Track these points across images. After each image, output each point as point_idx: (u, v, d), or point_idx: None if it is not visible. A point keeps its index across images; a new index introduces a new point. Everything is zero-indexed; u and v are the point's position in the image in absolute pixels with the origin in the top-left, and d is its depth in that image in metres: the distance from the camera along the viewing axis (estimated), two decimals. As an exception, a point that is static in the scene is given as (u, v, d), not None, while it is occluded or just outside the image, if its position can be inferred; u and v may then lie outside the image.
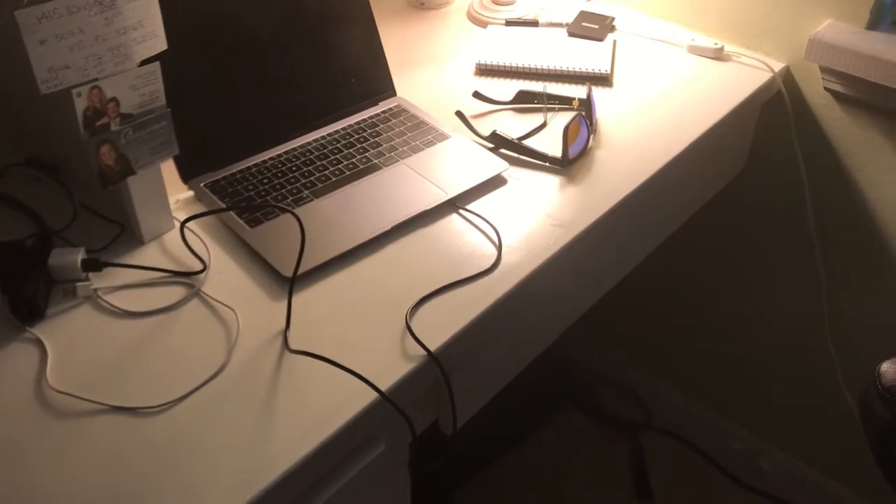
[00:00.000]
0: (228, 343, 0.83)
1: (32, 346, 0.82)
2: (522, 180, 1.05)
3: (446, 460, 0.92)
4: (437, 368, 0.83)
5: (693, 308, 1.66)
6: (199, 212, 0.98)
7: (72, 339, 0.83)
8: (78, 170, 1.00)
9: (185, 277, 0.90)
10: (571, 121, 1.05)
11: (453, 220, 0.99)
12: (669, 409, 1.81)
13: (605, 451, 1.77)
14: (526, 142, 1.09)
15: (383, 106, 1.16)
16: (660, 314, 1.73)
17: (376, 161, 1.06)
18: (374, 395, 0.78)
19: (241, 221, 0.96)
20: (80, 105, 0.80)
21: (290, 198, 0.99)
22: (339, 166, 1.05)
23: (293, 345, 0.82)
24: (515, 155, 1.08)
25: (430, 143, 1.09)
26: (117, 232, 0.95)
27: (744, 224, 1.49)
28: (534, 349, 1.06)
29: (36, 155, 1.04)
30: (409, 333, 0.84)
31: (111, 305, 0.87)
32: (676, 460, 1.75)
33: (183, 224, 0.92)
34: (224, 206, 0.97)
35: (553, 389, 1.87)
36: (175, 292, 0.89)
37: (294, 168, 1.04)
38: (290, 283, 0.88)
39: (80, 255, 0.88)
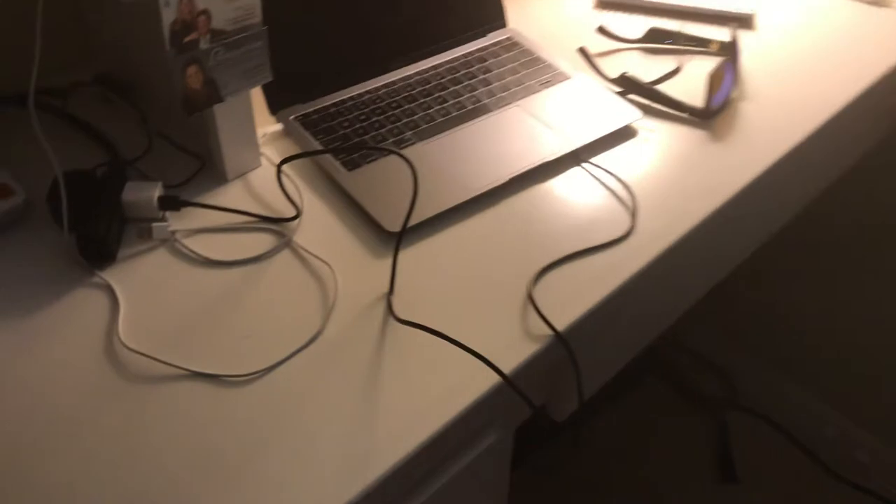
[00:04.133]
0: (325, 305, 0.72)
1: (102, 294, 0.72)
2: (656, 132, 0.91)
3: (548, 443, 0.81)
4: (563, 350, 0.71)
5: (795, 287, 1.52)
6: (286, 147, 0.86)
7: (146, 288, 0.73)
8: (155, 93, 0.89)
9: (275, 224, 0.79)
10: (717, 66, 0.90)
11: (577, 175, 0.86)
12: (758, 389, 1.68)
13: (689, 426, 1.66)
14: (659, 88, 0.95)
15: (493, 38, 1.02)
16: (757, 289, 1.59)
17: (487, 101, 0.92)
18: (496, 378, 0.66)
19: (337, 163, 0.84)
20: (168, 16, 0.68)
21: (391, 139, 0.87)
22: (446, 105, 0.91)
23: (399, 312, 0.71)
24: (647, 102, 0.94)
25: (547, 84, 0.95)
26: (197, 166, 0.84)
27: (864, 212, 1.33)
28: (655, 328, 0.93)
29: (107, 72, 0.92)
30: (531, 307, 0.72)
31: (191, 251, 0.76)
32: (763, 443, 1.63)
33: (280, 166, 0.80)
34: (318, 144, 0.85)
35: (639, 357, 1.74)
36: (263, 240, 0.77)
37: (395, 105, 0.91)
38: (395, 239, 0.76)
39: (157, 191, 0.77)
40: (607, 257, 0.77)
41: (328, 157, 0.84)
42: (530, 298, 0.72)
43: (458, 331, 0.70)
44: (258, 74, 0.77)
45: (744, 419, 1.66)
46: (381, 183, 0.82)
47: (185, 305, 0.72)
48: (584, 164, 0.87)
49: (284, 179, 0.83)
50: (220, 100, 0.75)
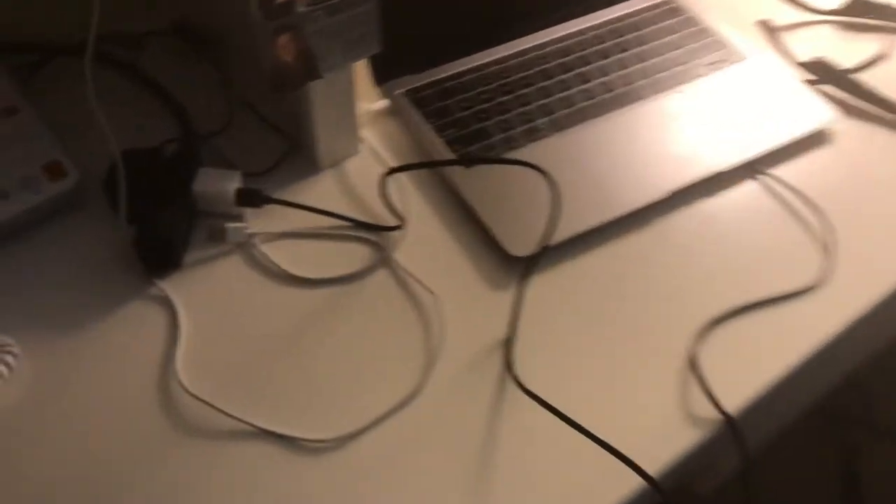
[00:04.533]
0: (426, 348, 0.57)
1: (160, 311, 0.59)
2: (856, 139, 0.71)
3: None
4: (730, 436, 0.55)
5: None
6: (391, 129, 0.71)
7: (213, 307, 0.59)
8: (242, 52, 0.74)
9: (372, 233, 0.64)
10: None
11: (753, 192, 0.67)
12: None
13: (812, 441, 1.47)
14: (862, 76, 0.74)
15: (648, 0, 0.83)
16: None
17: (640, 84, 0.74)
18: (641, 482, 0.51)
19: (452, 155, 0.68)
20: (255, -28, 0.52)
21: (520, 126, 0.70)
22: (589, 86, 0.74)
23: (521, 372, 0.56)
24: (847, 97, 0.74)
25: (717, 65, 0.76)
26: (284, 150, 0.69)
27: None
28: (821, 387, 0.76)
29: (185, 22, 0.78)
30: (693, 376, 0.56)
31: (270, 261, 0.62)
32: (896, 471, 1.44)
33: (387, 175, 0.64)
34: (429, 127, 0.69)
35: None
36: (356, 253, 0.63)
37: (525, 81, 0.74)
38: (519, 267, 0.61)
39: (235, 182, 0.63)
40: (793, 311, 0.60)
41: (439, 146, 0.68)
42: (693, 366, 0.56)
43: (593, 402, 0.54)
44: (364, 45, 0.61)
45: (878, 441, 1.46)
46: (506, 187, 0.65)
47: (259, 334, 0.58)
48: (761, 177, 0.68)
49: (375, 167, 0.68)
50: (316, 76, 0.60)
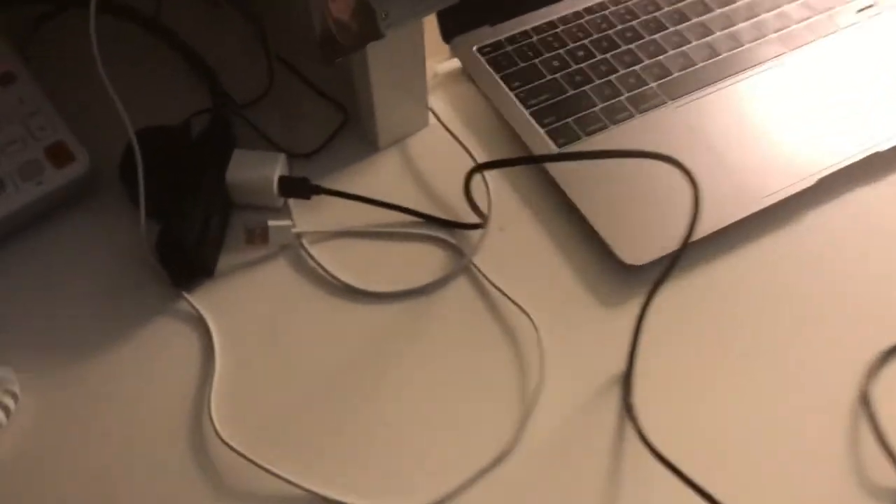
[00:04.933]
0: (522, 388, 0.45)
1: (190, 331, 0.48)
2: None
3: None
4: (913, 506, 0.43)
5: None
6: (464, 94, 0.57)
7: (255, 328, 0.48)
8: (279, 7, 0.61)
9: (447, 231, 0.52)
10: None
11: (924, 175, 0.54)
12: None
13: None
14: None
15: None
16: None
17: (777, 35, 0.60)
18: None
19: (542, 130, 0.55)
20: None
21: (627, 92, 0.56)
22: (711, 39, 0.59)
23: (646, 423, 0.44)
24: None
25: (866, 13, 0.61)
26: (335, 122, 0.57)
27: None
28: None
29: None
30: (867, 422, 0.43)
31: (323, 268, 0.50)
32: None
33: (474, 173, 0.50)
34: (510, 93, 0.56)
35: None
36: (428, 257, 0.51)
37: (629, 34, 0.60)
38: (636, 278, 0.48)
39: (277, 167, 0.51)
40: None
41: (524, 118, 0.55)
42: (865, 406, 0.44)
43: (735, 462, 0.42)
44: (437, -4, 0.48)
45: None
46: (617, 176, 0.52)
47: (311, 366, 0.47)
48: (932, 156, 0.54)
49: (446, 151, 0.55)
50: (378, 35, 0.47)
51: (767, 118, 0.55)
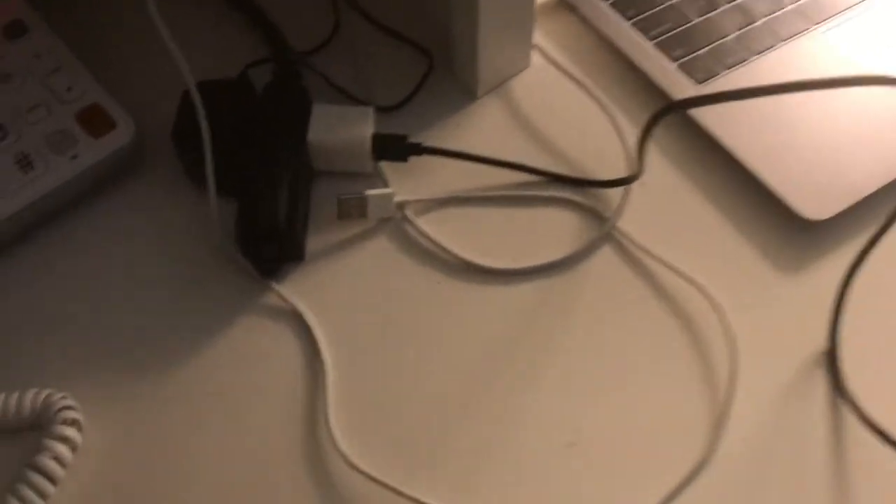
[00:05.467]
0: (707, 378, 0.37)
1: (288, 329, 0.39)
2: None
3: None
4: None
5: None
6: (570, 29, 0.48)
7: (363, 320, 0.39)
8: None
9: (576, 192, 0.43)
10: None
11: None
12: None
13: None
14: None
15: None
16: None
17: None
18: None
19: (673, 65, 0.46)
20: None
21: (762, 18, 0.47)
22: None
23: (862, 401, 0.36)
24: None
25: None
26: (421, 68, 0.47)
27: None
28: None
29: None
30: None
31: (438, 245, 0.41)
32: None
33: (647, 132, 0.40)
34: (634, 31, 0.47)
35: None
36: (559, 224, 0.42)
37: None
38: (819, 235, 0.40)
39: (367, 125, 0.42)
40: None
41: (651, 55, 0.46)
42: None
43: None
44: None
45: None
46: (777, 114, 0.44)
47: (436, 361, 0.38)
48: None
49: (560, 84, 0.46)
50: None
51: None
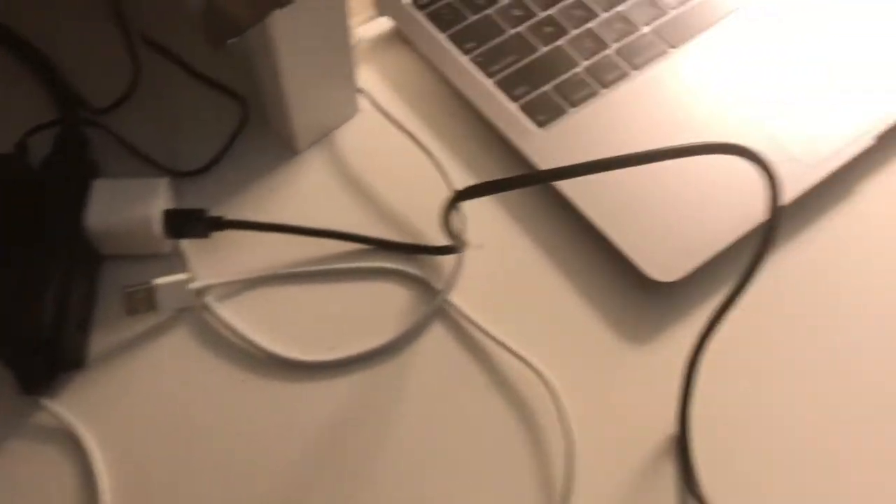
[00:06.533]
0: (545, 480, 0.33)
1: (59, 451, 0.33)
2: None
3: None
4: None
5: None
6: (398, 62, 0.43)
7: (151, 433, 0.33)
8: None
9: (406, 261, 0.38)
10: None
11: None
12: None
13: None
14: None
15: None
16: None
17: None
18: None
19: (513, 105, 0.41)
20: None
21: (615, 42, 0.43)
22: (701, -37, 0.46)
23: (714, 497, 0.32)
24: None
25: None
26: (231, 123, 0.41)
27: None
28: None
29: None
30: None
31: (242, 339, 0.36)
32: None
33: (453, 203, 0.33)
34: (465, 58, 0.42)
35: None
36: (384, 300, 0.37)
37: (602, -36, 0.46)
38: (671, 297, 0.36)
39: (158, 198, 0.36)
40: None
41: (489, 95, 0.41)
42: None
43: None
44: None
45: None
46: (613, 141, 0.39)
47: (241, 477, 0.33)
48: None
49: (393, 139, 0.41)
50: (283, 1, 0.32)
51: (782, 63, 0.43)
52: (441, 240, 0.37)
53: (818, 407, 0.34)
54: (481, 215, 0.39)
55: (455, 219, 0.37)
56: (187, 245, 0.38)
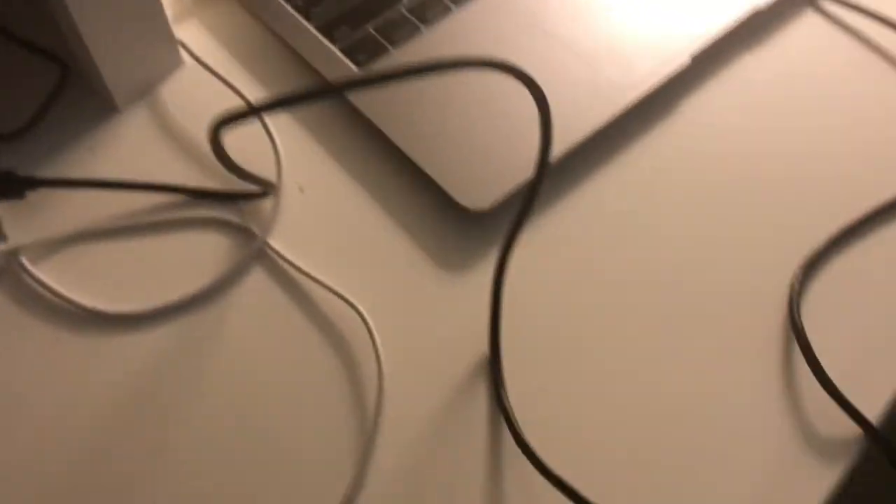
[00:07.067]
0: (360, 409, 0.33)
1: None
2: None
3: None
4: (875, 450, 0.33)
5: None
6: (226, 15, 0.43)
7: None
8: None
9: (226, 208, 0.38)
10: None
11: (818, 33, 0.43)
12: None
13: None
14: None
15: None
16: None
17: None
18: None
19: (334, 48, 0.41)
20: None
21: (433, -16, 0.43)
22: None
23: (524, 415, 0.32)
24: None
25: None
26: (50, 83, 0.41)
27: None
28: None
29: None
30: (799, 350, 0.34)
31: (58, 294, 0.35)
32: None
33: (256, 111, 0.30)
34: (294, 11, 0.42)
35: None
36: (204, 249, 0.37)
37: None
38: (484, 227, 0.36)
39: (-39, 163, 0.36)
40: (925, 222, 0.37)
41: (311, 39, 0.41)
42: (798, 337, 0.34)
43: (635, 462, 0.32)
44: None
45: None
46: (436, 92, 0.39)
47: (58, 434, 0.33)
48: (826, 5, 0.44)
49: (215, 91, 0.40)
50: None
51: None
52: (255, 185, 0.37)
53: (617, 321, 0.35)
54: (301, 157, 0.39)
55: (260, 149, 0.37)
56: (1, 208, 0.37)
